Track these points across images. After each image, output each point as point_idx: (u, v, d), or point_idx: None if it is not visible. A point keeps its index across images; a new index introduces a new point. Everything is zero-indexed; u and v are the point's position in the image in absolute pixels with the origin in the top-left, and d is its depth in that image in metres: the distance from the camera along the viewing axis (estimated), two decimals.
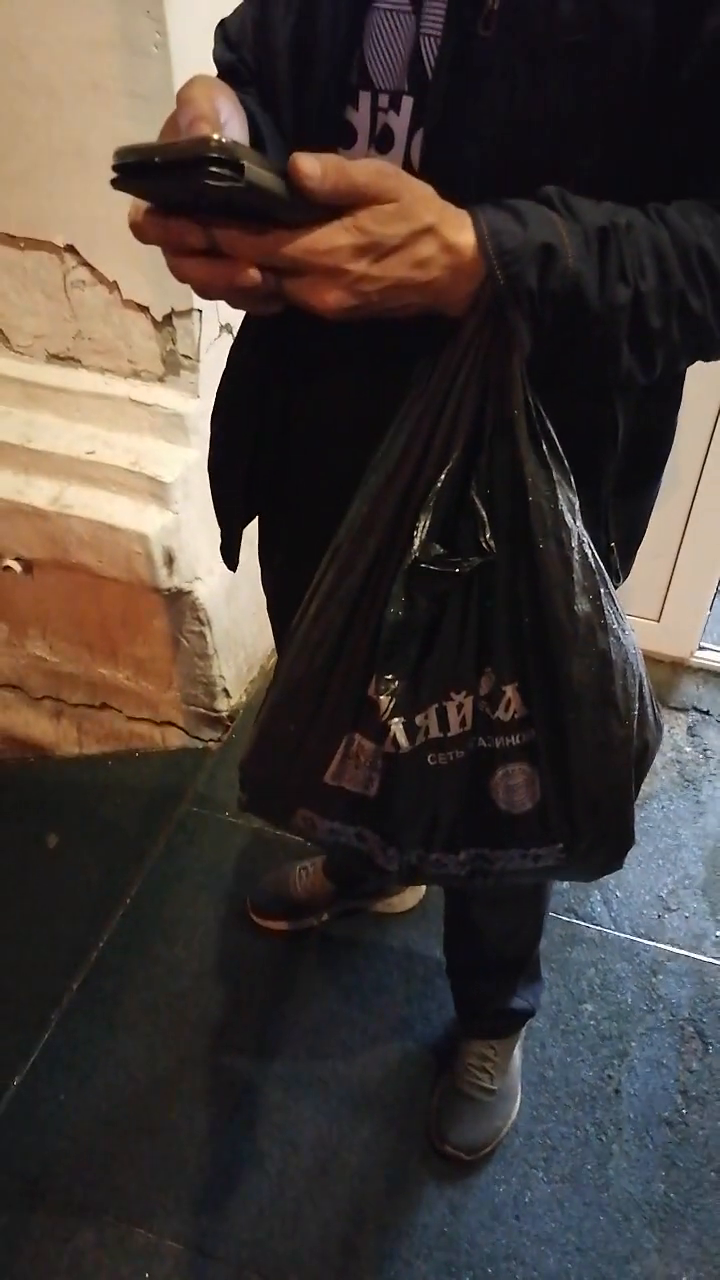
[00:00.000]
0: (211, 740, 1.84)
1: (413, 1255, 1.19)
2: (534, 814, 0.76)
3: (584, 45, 0.56)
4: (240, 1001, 1.44)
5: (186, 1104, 1.33)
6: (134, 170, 0.51)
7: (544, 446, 0.64)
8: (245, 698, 1.88)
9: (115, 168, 0.52)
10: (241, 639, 1.82)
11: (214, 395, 0.83)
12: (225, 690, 1.78)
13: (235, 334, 0.81)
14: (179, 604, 1.62)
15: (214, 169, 0.47)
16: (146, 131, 1.24)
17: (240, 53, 0.74)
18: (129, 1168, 1.27)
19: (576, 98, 0.58)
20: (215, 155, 0.47)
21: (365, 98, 0.64)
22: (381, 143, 0.65)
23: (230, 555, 0.90)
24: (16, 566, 1.63)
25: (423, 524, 0.65)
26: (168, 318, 1.41)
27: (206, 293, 0.58)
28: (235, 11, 0.76)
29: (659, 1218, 1.23)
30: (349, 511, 0.68)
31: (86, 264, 1.40)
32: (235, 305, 0.61)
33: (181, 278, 0.58)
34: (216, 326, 1.47)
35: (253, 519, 0.91)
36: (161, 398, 1.48)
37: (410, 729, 0.71)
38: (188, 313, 1.39)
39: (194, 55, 1.21)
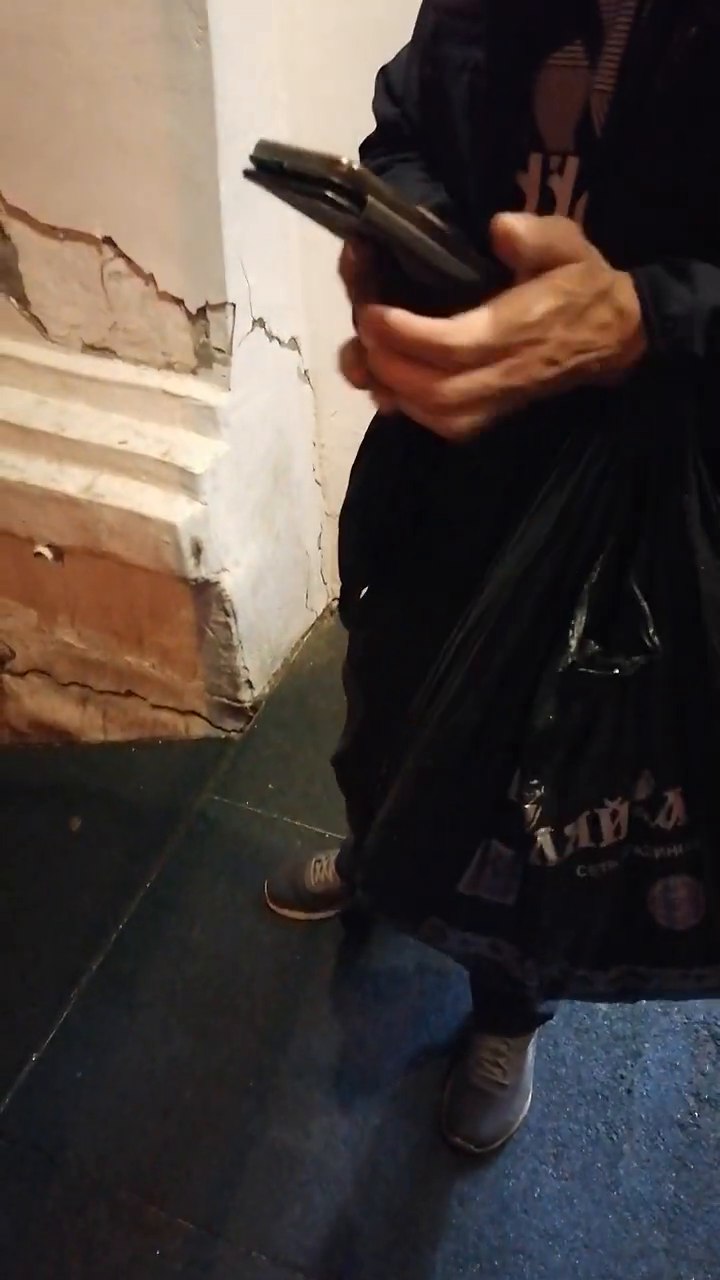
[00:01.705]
0: (234, 730, 1.85)
1: (421, 1244, 1.20)
2: (698, 930, 0.69)
3: None
4: (255, 987, 1.45)
5: (200, 1085, 1.34)
6: (264, 167, 0.49)
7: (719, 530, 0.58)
8: (268, 689, 1.90)
9: (251, 158, 0.49)
10: (266, 631, 1.83)
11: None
12: (249, 681, 1.80)
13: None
14: (205, 594, 1.64)
15: (331, 194, 0.44)
16: (186, 124, 1.25)
17: (404, 108, 0.71)
18: (142, 1145, 1.28)
19: None
20: (337, 181, 0.43)
21: (536, 160, 0.61)
22: (544, 205, 0.62)
23: (346, 613, 0.87)
24: (48, 553, 1.66)
25: (579, 621, 0.58)
26: (202, 310, 1.42)
27: (421, 415, 0.51)
28: (397, 61, 0.73)
29: (668, 1218, 1.22)
30: (481, 599, 0.62)
31: (124, 255, 1.42)
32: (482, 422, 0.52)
33: (386, 380, 0.51)
34: (250, 321, 1.48)
35: (373, 581, 0.86)
36: (194, 390, 1.49)
37: (559, 840, 0.64)
38: (221, 306, 1.41)
39: (235, 49, 1.22)
